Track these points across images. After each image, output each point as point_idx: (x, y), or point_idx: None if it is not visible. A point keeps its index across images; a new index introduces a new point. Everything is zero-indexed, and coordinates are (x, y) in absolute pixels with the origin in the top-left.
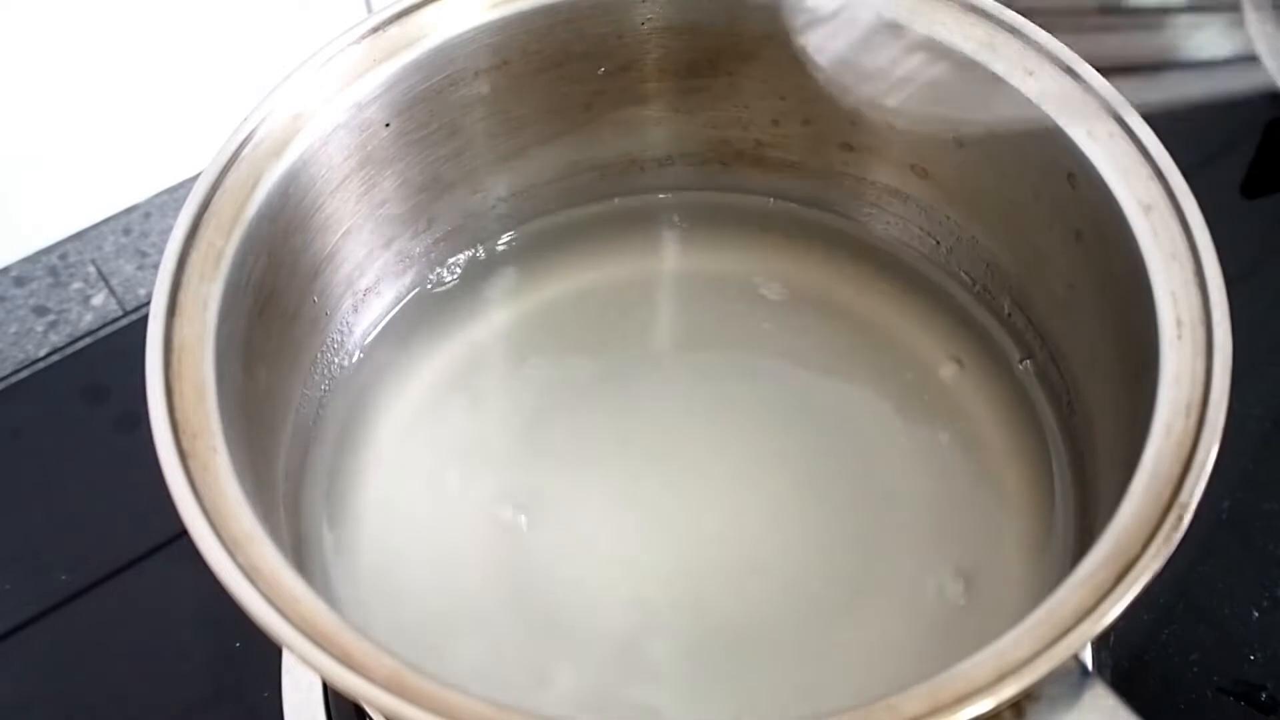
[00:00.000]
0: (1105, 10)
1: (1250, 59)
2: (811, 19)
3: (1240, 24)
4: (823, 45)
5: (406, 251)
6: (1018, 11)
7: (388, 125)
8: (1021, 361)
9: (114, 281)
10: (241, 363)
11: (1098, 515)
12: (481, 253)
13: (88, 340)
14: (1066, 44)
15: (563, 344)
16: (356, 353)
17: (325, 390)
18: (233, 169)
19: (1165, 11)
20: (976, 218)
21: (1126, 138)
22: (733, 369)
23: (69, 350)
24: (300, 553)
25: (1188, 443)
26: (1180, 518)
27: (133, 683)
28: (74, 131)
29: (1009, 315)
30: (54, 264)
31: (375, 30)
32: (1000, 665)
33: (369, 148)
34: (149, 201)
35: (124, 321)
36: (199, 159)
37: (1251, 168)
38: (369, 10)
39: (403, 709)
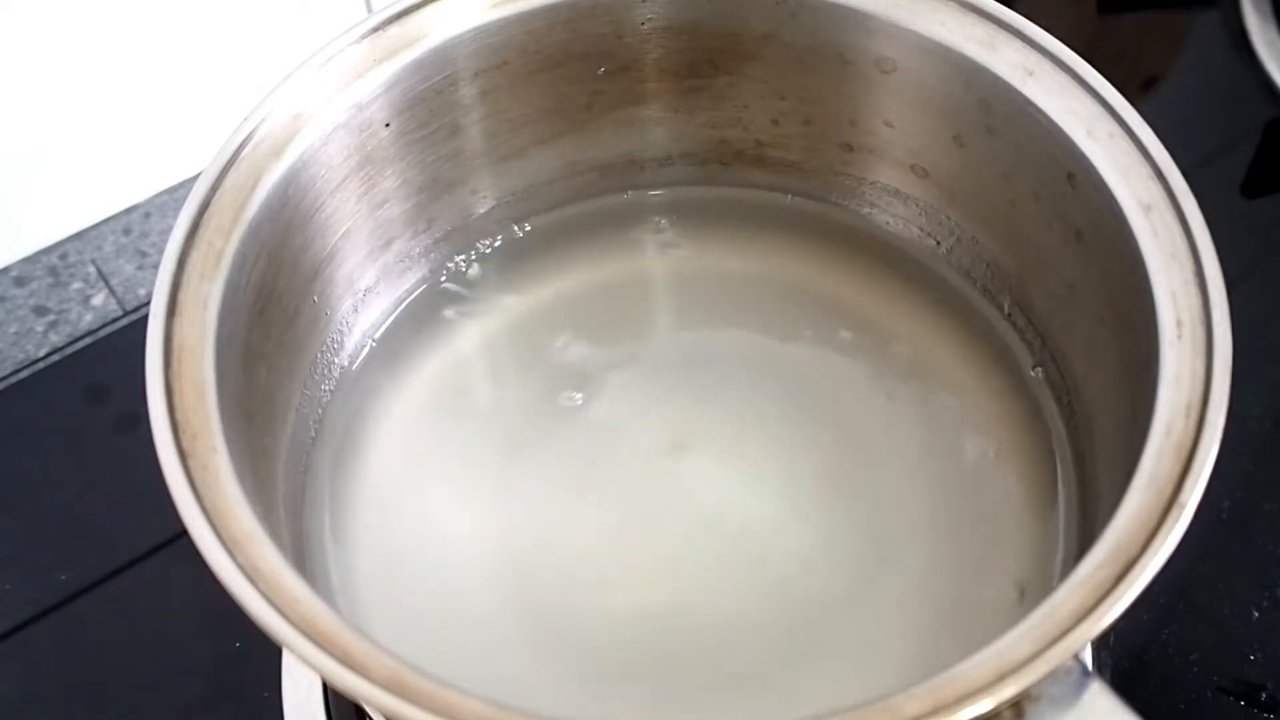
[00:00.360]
0: None
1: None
2: None
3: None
4: None
5: (406, 251)
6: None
7: (388, 125)
8: (1034, 368)
9: (114, 281)
10: (241, 363)
11: (1098, 515)
12: (481, 252)
13: (88, 340)
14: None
15: (564, 342)
16: (357, 352)
17: (326, 390)
18: (233, 169)
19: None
20: (976, 218)
21: (1126, 138)
22: (737, 367)
23: (69, 350)
24: (300, 553)
25: (1188, 443)
26: (1180, 518)
27: (133, 683)
28: (74, 131)
29: (1009, 315)
30: (54, 264)
31: (375, 30)
32: (1000, 665)
33: (369, 148)
34: (149, 201)
35: (124, 321)
36: (199, 159)
37: (1251, 168)
38: (369, 10)
39: (403, 709)
